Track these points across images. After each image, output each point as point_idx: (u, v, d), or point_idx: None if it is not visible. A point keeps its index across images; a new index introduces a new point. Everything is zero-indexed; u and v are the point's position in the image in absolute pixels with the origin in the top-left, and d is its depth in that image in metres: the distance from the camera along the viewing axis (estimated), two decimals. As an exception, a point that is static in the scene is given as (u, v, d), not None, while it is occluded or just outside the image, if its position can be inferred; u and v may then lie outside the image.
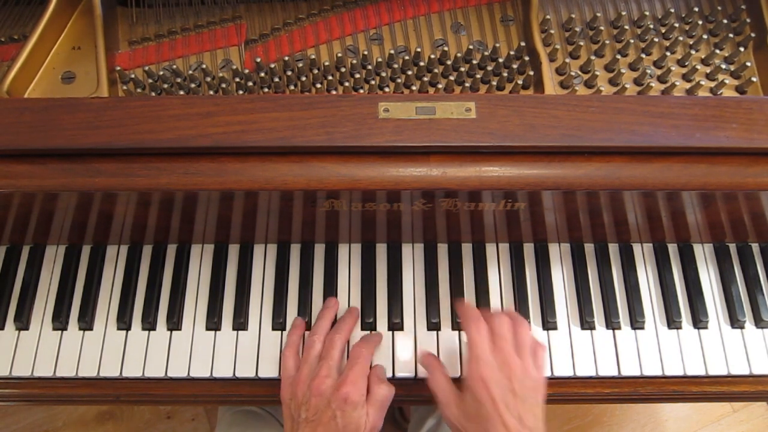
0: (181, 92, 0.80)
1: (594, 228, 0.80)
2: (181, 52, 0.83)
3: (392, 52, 0.81)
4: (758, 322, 0.80)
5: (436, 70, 0.81)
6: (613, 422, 1.57)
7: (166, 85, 0.80)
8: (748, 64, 0.81)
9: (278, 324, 0.79)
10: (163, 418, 1.56)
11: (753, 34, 0.83)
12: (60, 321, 0.79)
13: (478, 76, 0.79)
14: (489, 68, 0.80)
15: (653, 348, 0.78)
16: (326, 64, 0.79)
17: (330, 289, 0.81)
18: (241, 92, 0.79)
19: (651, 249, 0.84)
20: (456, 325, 0.79)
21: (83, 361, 0.77)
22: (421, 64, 0.81)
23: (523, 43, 0.81)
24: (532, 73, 0.80)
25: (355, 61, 0.82)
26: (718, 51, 0.81)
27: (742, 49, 0.83)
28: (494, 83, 0.80)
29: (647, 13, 0.84)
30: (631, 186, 0.67)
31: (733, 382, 0.78)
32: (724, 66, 0.82)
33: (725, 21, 0.84)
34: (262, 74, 0.80)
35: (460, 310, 0.74)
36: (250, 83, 0.78)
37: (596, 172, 0.67)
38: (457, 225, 0.78)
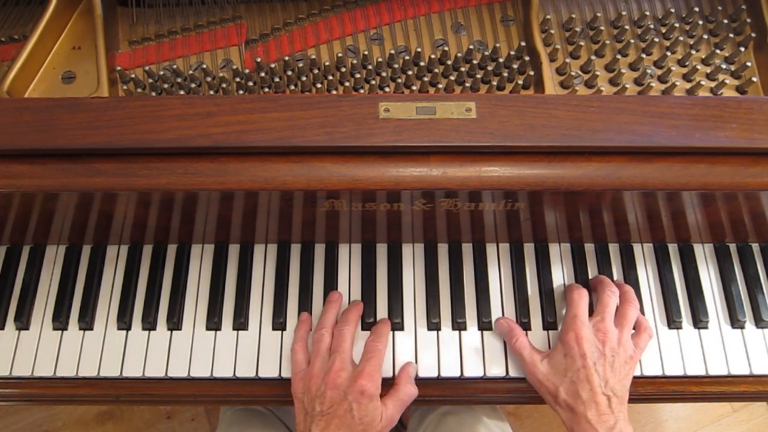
0: (182, 92, 0.80)
1: (594, 228, 0.80)
2: (182, 52, 0.83)
3: (392, 52, 0.81)
4: (758, 322, 0.80)
5: (436, 70, 0.81)
6: (613, 422, 1.56)
7: (166, 85, 0.80)
8: (749, 64, 0.81)
9: (278, 324, 0.79)
10: (163, 418, 1.56)
11: (753, 34, 0.83)
12: (60, 321, 0.79)
13: (479, 76, 0.79)
14: (489, 68, 0.80)
15: (653, 348, 0.78)
16: (326, 64, 0.79)
17: (330, 289, 0.81)
18: (241, 92, 0.79)
19: (651, 249, 0.84)
20: (456, 325, 0.79)
21: (83, 361, 0.77)
22: (422, 64, 0.81)
23: (523, 43, 0.81)
24: (532, 73, 0.80)
25: (355, 61, 0.82)
26: (718, 51, 0.81)
27: (742, 49, 0.83)
28: (494, 83, 0.80)
29: (647, 13, 0.84)
30: (631, 186, 0.67)
31: (733, 382, 0.78)
32: (724, 66, 0.82)
33: (725, 21, 0.84)
34: (263, 74, 0.80)
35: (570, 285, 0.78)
36: (251, 83, 0.78)
37: (596, 172, 0.67)
38: (457, 225, 0.78)
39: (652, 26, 0.84)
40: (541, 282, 0.81)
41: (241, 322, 0.79)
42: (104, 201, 0.71)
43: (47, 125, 0.65)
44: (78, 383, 0.78)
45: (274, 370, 0.77)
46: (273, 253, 0.83)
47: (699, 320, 0.79)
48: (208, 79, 0.79)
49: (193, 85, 0.80)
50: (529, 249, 0.84)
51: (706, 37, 0.83)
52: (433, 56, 0.81)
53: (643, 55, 0.82)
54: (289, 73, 0.79)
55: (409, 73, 0.79)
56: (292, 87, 0.80)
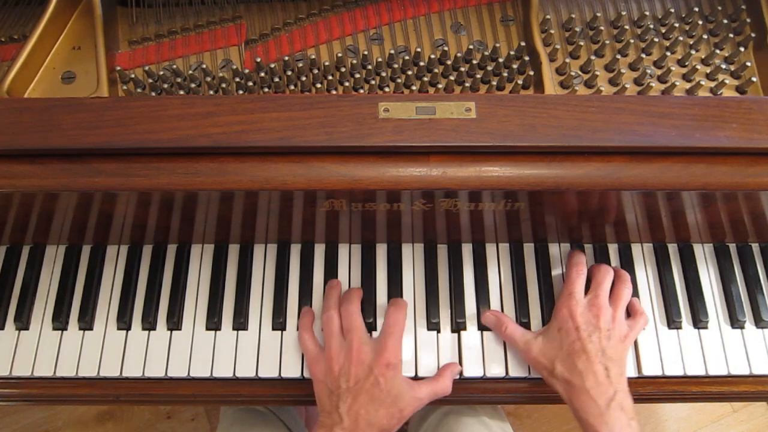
0: (181, 92, 0.80)
1: (593, 228, 0.80)
2: (181, 52, 0.83)
3: (392, 52, 0.81)
4: (758, 322, 0.80)
5: (436, 70, 0.81)
6: (613, 422, 1.56)
7: (166, 85, 0.80)
8: (748, 64, 0.81)
9: (278, 324, 0.79)
10: (163, 418, 1.56)
11: (753, 34, 0.83)
12: (60, 321, 0.79)
13: (478, 76, 0.79)
14: (489, 68, 0.80)
15: (653, 348, 0.78)
16: (326, 64, 0.79)
17: (330, 289, 0.81)
18: (241, 92, 0.79)
19: (651, 249, 0.84)
20: (455, 326, 0.79)
21: (83, 361, 0.77)
22: (421, 64, 0.81)
23: (523, 43, 0.81)
24: (532, 73, 0.80)
25: (355, 61, 0.82)
26: (718, 51, 0.81)
27: (742, 49, 0.83)
28: (494, 83, 0.80)
29: (647, 13, 0.84)
30: (631, 186, 0.67)
31: (733, 382, 0.78)
32: (724, 66, 0.82)
33: (725, 21, 0.84)
34: (262, 74, 0.80)
35: (570, 255, 0.79)
36: (250, 83, 0.78)
37: (596, 172, 0.67)
38: (457, 225, 0.78)
39: (651, 26, 0.84)
40: (541, 282, 0.81)
41: (241, 322, 0.79)
42: (104, 201, 0.71)
43: (47, 125, 0.65)
44: (78, 383, 0.78)
45: (274, 370, 0.77)
46: (273, 253, 0.83)
47: (699, 320, 0.79)
48: (208, 79, 0.79)
49: (193, 85, 0.80)
50: (529, 249, 0.84)
51: (705, 37, 0.83)
52: (432, 56, 0.81)
53: (643, 55, 0.82)
54: (289, 73, 0.79)
55: (409, 73, 0.79)
56: (292, 87, 0.80)
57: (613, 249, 0.84)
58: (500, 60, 0.80)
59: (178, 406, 1.56)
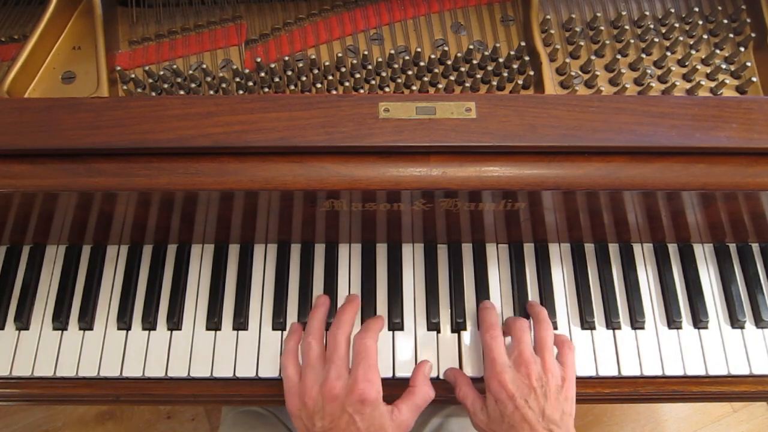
0: (182, 92, 0.80)
1: (594, 228, 0.80)
2: (181, 52, 0.83)
3: (392, 52, 0.81)
4: (758, 322, 0.80)
5: (436, 70, 0.81)
6: (613, 422, 1.57)
7: (166, 85, 0.80)
8: (748, 64, 0.81)
9: (278, 324, 0.79)
10: (163, 418, 1.56)
11: (753, 34, 0.83)
12: (60, 321, 0.79)
13: (478, 76, 0.79)
14: (489, 68, 0.80)
15: (653, 348, 0.78)
16: (326, 64, 0.79)
17: (330, 289, 0.81)
18: (241, 92, 0.79)
19: (651, 249, 0.84)
20: (455, 326, 0.79)
21: (83, 361, 0.77)
22: (421, 64, 0.81)
23: (523, 43, 0.81)
24: (532, 73, 0.80)
25: (355, 61, 0.82)
26: (718, 51, 0.81)
27: (742, 49, 0.83)
28: (494, 83, 0.80)
29: (647, 13, 0.84)
30: (631, 186, 0.67)
31: (733, 382, 0.78)
32: (724, 66, 0.82)
33: (725, 21, 0.84)
34: (262, 74, 0.80)
35: (480, 321, 0.76)
36: (250, 83, 0.78)
37: (596, 172, 0.67)
38: (457, 225, 0.78)
39: (652, 26, 0.84)
40: (541, 282, 0.81)
41: (241, 322, 0.79)
42: (104, 201, 0.71)
43: (47, 125, 0.65)
44: (78, 383, 0.78)
45: (274, 370, 0.77)
46: (273, 253, 0.83)
47: (699, 320, 0.79)
48: (208, 79, 0.79)
49: (193, 85, 0.80)
50: (529, 249, 0.84)
51: (706, 37, 0.83)
52: (433, 56, 0.81)
53: (643, 55, 0.82)
54: (289, 73, 0.79)
55: (409, 73, 0.79)
56: (292, 87, 0.80)
57: (613, 249, 0.84)
58: (500, 60, 0.80)
59: (178, 406, 1.56)
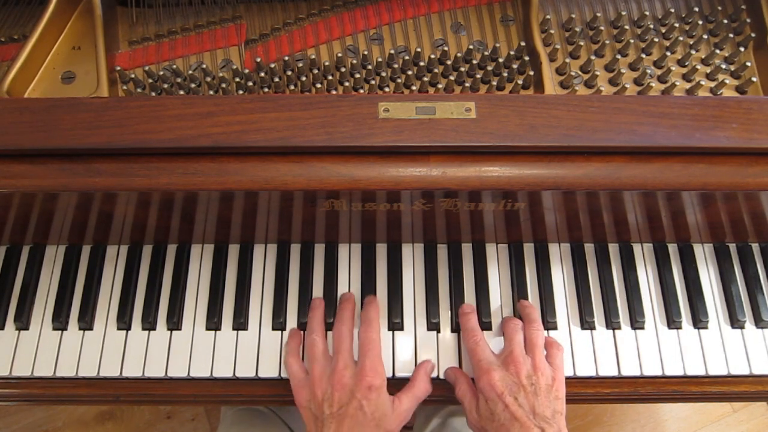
0: (181, 92, 0.80)
1: (594, 228, 0.80)
2: (181, 52, 0.83)
3: (392, 52, 0.81)
4: (758, 322, 0.80)
5: (436, 70, 0.81)
6: (613, 422, 1.57)
7: (166, 85, 0.80)
8: (748, 64, 0.81)
9: (278, 324, 0.79)
10: (163, 418, 1.56)
11: (753, 34, 0.83)
12: (60, 321, 0.79)
13: (478, 76, 0.79)
14: (489, 68, 0.80)
15: (653, 348, 0.78)
16: (326, 64, 0.79)
17: (330, 289, 0.81)
18: (241, 92, 0.79)
19: (651, 249, 0.84)
20: (456, 326, 0.79)
21: (83, 361, 0.77)
22: (421, 64, 0.81)
23: (523, 43, 0.81)
24: (532, 73, 0.80)
25: (355, 61, 0.82)
26: (718, 51, 0.81)
27: (742, 49, 0.83)
28: (494, 83, 0.80)
29: (647, 13, 0.84)
30: (631, 186, 0.67)
31: (733, 382, 0.78)
32: (724, 66, 0.82)
33: (725, 21, 0.84)
34: (262, 74, 0.80)
35: (461, 323, 0.77)
36: (250, 83, 0.78)
37: (596, 172, 0.67)
38: (457, 225, 0.78)
39: (651, 26, 0.84)
40: (541, 282, 0.81)
41: (240, 322, 0.79)
42: (104, 201, 0.71)
43: (47, 125, 0.65)
44: (78, 383, 0.78)
45: (274, 370, 0.77)
46: (273, 253, 0.83)
47: (699, 320, 0.79)
48: (208, 79, 0.79)
49: (193, 85, 0.80)
50: (528, 249, 0.84)
51: (705, 37, 0.83)
52: (432, 56, 0.81)
53: (643, 55, 0.82)
54: (289, 73, 0.79)
55: (409, 73, 0.79)
56: (292, 87, 0.80)
57: (613, 249, 0.84)
58: (500, 60, 0.80)
59: (178, 406, 1.56)
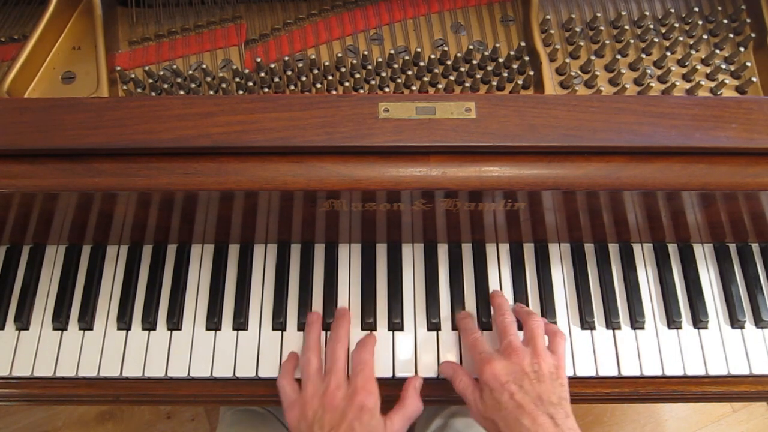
0: (181, 92, 0.80)
1: (594, 228, 0.80)
2: (181, 52, 0.83)
3: (392, 52, 0.81)
4: (758, 322, 0.80)
5: (436, 70, 0.81)
6: (613, 422, 1.57)
7: (166, 85, 0.80)
8: (748, 64, 0.81)
9: (278, 324, 0.79)
10: (163, 418, 1.56)
11: (753, 34, 0.83)
12: (60, 321, 0.79)
13: (478, 76, 0.79)
14: (489, 68, 0.80)
15: (653, 348, 0.78)
16: (326, 64, 0.79)
17: (330, 289, 0.81)
18: (241, 92, 0.79)
19: (651, 249, 0.84)
20: (455, 326, 0.79)
21: (83, 361, 0.77)
22: (421, 64, 0.81)
23: (523, 43, 0.81)
24: (532, 73, 0.80)
25: (355, 61, 0.82)
26: (718, 51, 0.81)
27: (742, 49, 0.83)
28: (494, 83, 0.80)
29: (647, 13, 0.84)
30: (631, 186, 0.67)
31: (733, 382, 0.78)
32: (724, 66, 0.82)
33: (725, 21, 0.84)
34: (262, 74, 0.80)
35: (459, 326, 0.77)
36: (250, 83, 0.78)
37: (596, 172, 0.67)
38: (457, 225, 0.78)
39: (651, 26, 0.84)
40: (541, 282, 0.81)
41: (240, 322, 0.79)
42: (104, 201, 0.71)
43: (47, 125, 0.65)
44: (78, 383, 0.78)
45: (274, 370, 0.77)
46: (273, 253, 0.83)
47: (699, 320, 0.79)
48: (208, 79, 0.79)
49: (193, 85, 0.80)
50: (529, 249, 0.84)
51: (705, 37, 0.83)
52: (432, 56, 0.81)
53: (643, 55, 0.82)
54: (289, 73, 0.79)
55: (409, 73, 0.79)
56: (292, 87, 0.80)
57: (613, 249, 0.84)
58: (500, 60, 0.80)
59: (178, 406, 1.56)
